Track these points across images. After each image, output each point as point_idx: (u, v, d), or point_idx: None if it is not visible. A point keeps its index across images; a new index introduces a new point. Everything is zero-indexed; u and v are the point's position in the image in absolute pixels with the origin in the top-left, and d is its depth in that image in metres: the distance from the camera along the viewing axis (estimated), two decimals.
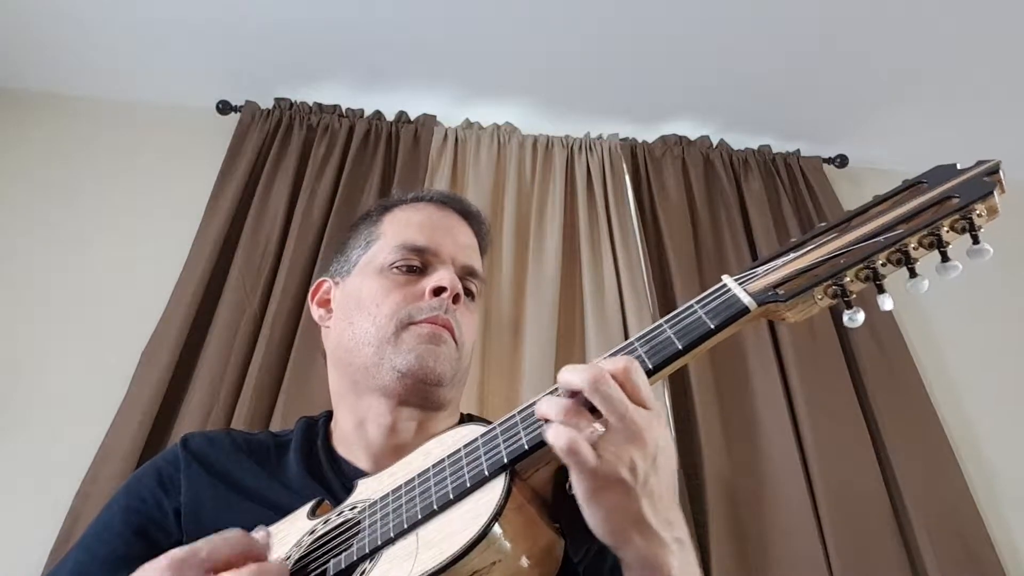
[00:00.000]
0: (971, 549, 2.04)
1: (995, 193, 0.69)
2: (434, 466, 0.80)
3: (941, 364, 2.50)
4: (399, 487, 0.81)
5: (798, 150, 2.84)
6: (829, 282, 0.72)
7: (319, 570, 0.79)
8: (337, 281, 1.17)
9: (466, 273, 1.12)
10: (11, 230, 2.40)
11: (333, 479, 1.01)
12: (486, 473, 0.73)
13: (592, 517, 0.71)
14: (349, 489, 0.91)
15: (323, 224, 2.39)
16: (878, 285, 0.71)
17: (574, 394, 0.72)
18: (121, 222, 2.45)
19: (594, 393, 0.69)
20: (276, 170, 2.49)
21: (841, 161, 2.88)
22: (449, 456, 0.80)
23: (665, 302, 2.40)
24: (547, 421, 0.72)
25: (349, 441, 1.06)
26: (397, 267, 1.09)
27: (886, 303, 0.71)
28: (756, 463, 2.14)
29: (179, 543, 0.91)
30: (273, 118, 2.61)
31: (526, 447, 0.73)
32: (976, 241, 0.69)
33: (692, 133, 2.80)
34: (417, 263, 1.09)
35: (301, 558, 0.82)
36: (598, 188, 2.59)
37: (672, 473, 0.74)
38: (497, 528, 0.68)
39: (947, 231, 0.70)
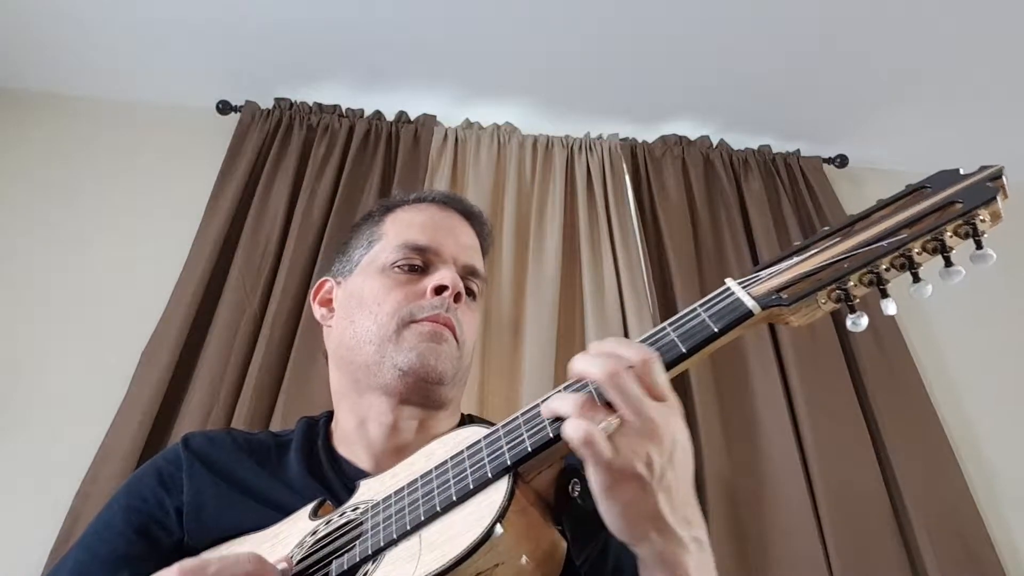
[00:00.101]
0: (971, 549, 2.04)
1: (998, 198, 0.69)
2: (437, 467, 0.80)
3: (941, 364, 2.50)
4: (402, 488, 0.81)
5: (798, 150, 2.84)
6: (833, 286, 0.71)
7: (321, 571, 0.79)
8: (339, 281, 1.18)
9: (467, 273, 1.12)
10: (11, 230, 2.40)
11: (334, 479, 1.01)
12: (489, 475, 0.73)
13: (608, 512, 0.71)
14: (350, 489, 0.90)
15: (323, 224, 2.39)
16: (882, 290, 0.71)
17: (583, 383, 0.72)
18: (121, 222, 2.45)
19: (611, 387, 0.69)
20: (276, 170, 2.49)
21: (841, 161, 2.88)
22: (452, 457, 0.80)
23: (665, 302, 2.40)
24: (558, 420, 0.71)
25: (350, 441, 1.06)
26: (399, 266, 1.09)
27: (890, 308, 0.71)
28: (756, 463, 2.15)
29: (180, 542, 0.92)
30: (273, 118, 2.61)
31: (529, 449, 0.73)
32: (979, 246, 0.69)
33: (692, 133, 2.80)
34: (419, 262, 1.10)
35: (303, 559, 0.82)
36: (598, 188, 2.59)
37: (690, 469, 0.74)
38: (500, 530, 0.68)
39: (951, 236, 0.70)
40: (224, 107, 2.66)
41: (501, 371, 2.22)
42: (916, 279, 0.71)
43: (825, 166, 2.85)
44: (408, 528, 0.75)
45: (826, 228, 0.78)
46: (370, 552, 0.76)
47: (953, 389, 2.45)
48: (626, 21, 2.39)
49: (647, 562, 0.73)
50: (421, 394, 1.03)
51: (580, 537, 0.78)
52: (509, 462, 0.73)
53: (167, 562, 0.74)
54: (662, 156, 2.73)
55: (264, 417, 2.01)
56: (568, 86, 2.67)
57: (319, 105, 2.65)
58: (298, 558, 0.82)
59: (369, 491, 0.87)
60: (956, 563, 2.00)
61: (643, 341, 0.76)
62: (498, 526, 0.68)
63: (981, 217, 0.69)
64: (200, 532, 0.92)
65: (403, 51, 2.53)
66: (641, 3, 2.32)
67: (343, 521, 0.84)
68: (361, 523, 0.82)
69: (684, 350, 0.73)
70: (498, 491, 0.71)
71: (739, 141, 2.82)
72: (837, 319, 2.29)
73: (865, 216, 0.77)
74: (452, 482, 0.76)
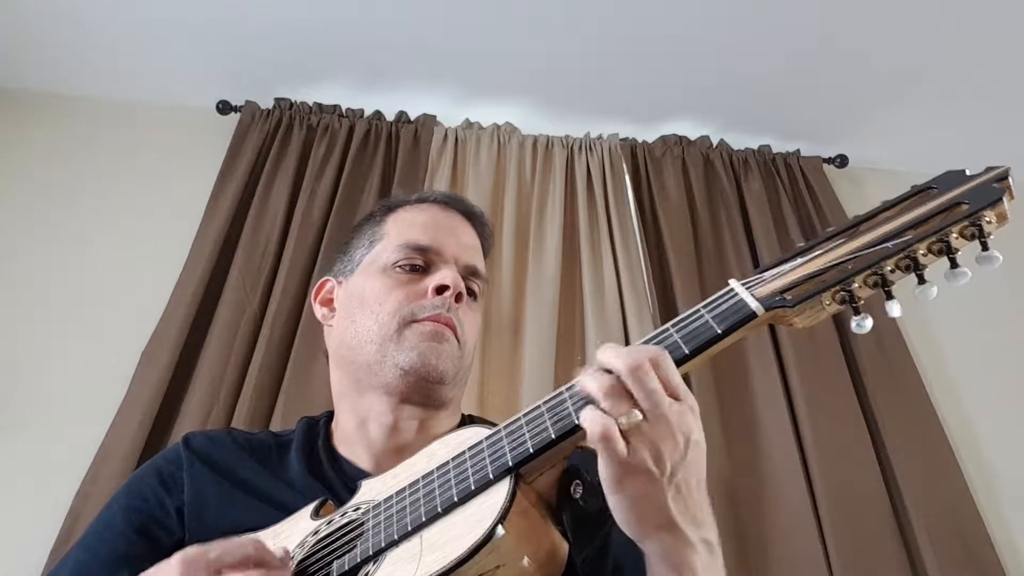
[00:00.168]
0: (971, 549, 2.04)
1: (1004, 199, 0.69)
2: (438, 468, 0.80)
3: (941, 364, 2.50)
4: (403, 489, 0.81)
5: (798, 150, 2.84)
6: (837, 288, 0.71)
7: (322, 571, 0.79)
8: (340, 280, 1.18)
9: (469, 273, 1.13)
10: (11, 230, 2.40)
11: (335, 479, 1.01)
12: (491, 476, 0.73)
13: (616, 506, 0.71)
14: (351, 489, 0.91)
15: (323, 224, 2.39)
16: (887, 291, 0.71)
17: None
18: (121, 222, 2.45)
19: (633, 381, 0.69)
20: (276, 170, 2.49)
21: (841, 161, 2.88)
22: (453, 458, 0.80)
23: (665, 302, 2.40)
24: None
25: (351, 440, 1.06)
26: (400, 266, 1.09)
27: (894, 309, 0.71)
28: (756, 463, 2.15)
29: (181, 542, 0.92)
30: (273, 118, 2.61)
31: (531, 450, 0.73)
32: (985, 248, 0.69)
33: (692, 133, 2.80)
34: (420, 262, 1.10)
35: (304, 559, 0.82)
36: (598, 188, 2.59)
37: (703, 470, 0.74)
38: (501, 531, 0.68)
39: (956, 237, 0.69)
40: (224, 107, 2.65)
41: (501, 371, 2.22)
42: (921, 280, 0.71)
43: (825, 166, 2.85)
44: (409, 529, 0.75)
45: (830, 229, 0.78)
46: (371, 552, 0.76)
47: (953, 389, 2.45)
48: (626, 21, 2.39)
49: (653, 560, 0.73)
50: (422, 394, 1.03)
51: (581, 538, 0.78)
52: (511, 463, 0.73)
53: None
54: (662, 156, 2.73)
55: (264, 417, 2.01)
56: (568, 86, 2.67)
57: (319, 105, 2.65)
58: (299, 558, 0.82)
59: (370, 491, 0.87)
60: (956, 563, 2.00)
61: (646, 342, 0.76)
62: (499, 527, 0.68)
63: (987, 218, 0.68)
64: (201, 531, 0.92)
65: (403, 51, 2.53)
66: (641, 3, 2.32)
67: (344, 521, 0.84)
68: (362, 523, 0.81)
69: (687, 351, 0.73)
70: (499, 492, 0.71)
71: (739, 141, 2.82)
72: (838, 319, 2.29)
73: (870, 217, 0.76)
74: (453, 483, 0.76)
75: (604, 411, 0.69)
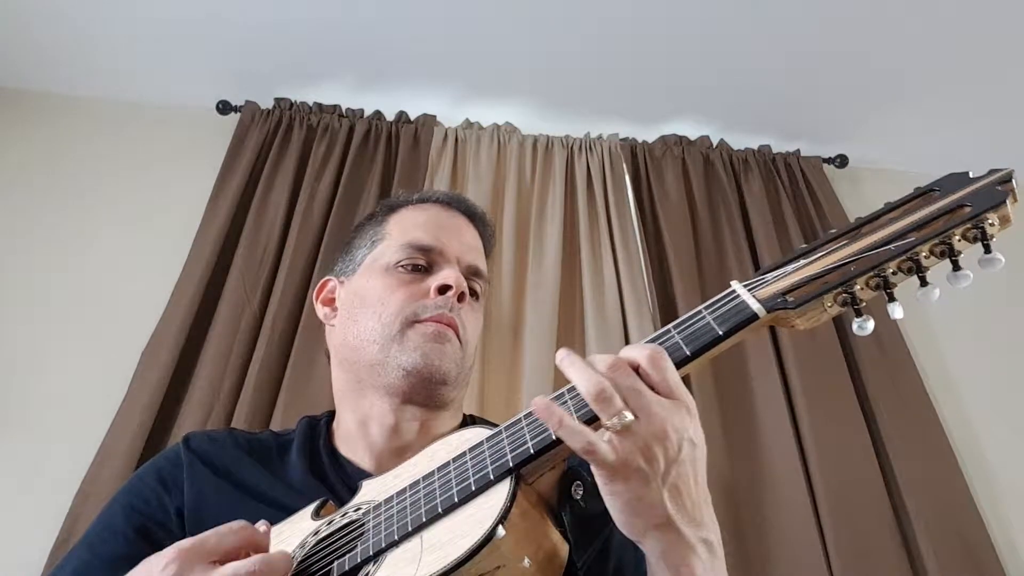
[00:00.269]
0: (971, 549, 2.05)
1: (1007, 202, 0.68)
2: (439, 469, 0.80)
3: (941, 365, 2.50)
4: (404, 489, 0.81)
5: (798, 150, 2.84)
6: (839, 290, 0.71)
7: (323, 571, 0.79)
8: (342, 280, 1.18)
9: (471, 273, 1.12)
10: (11, 230, 2.40)
11: (336, 479, 1.01)
12: (491, 476, 0.73)
13: (611, 506, 0.71)
14: (352, 489, 0.91)
15: (323, 224, 2.39)
16: (889, 293, 0.71)
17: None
18: (121, 222, 2.45)
19: (612, 382, 0.69)
20: (276, 170, 2.49)
21: (841, 161, 2.88)
22: (454, 459, 0.80)
23: (665, 302, 2.40)
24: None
25: (352, 441, 1.06)
26: (403, 266, 1.09)
27: (896, 312, 0.71)
28: (756, 463, 2.15)
29: None
30: (273, 118, 2.61)
31: (532, 451, 0.72)
32: (988, 250, 0.69)
33: (692, 133, 2.80)
34: (423, 262, 1.09)
35: (305, 559, 0.82)
36: (598, 188, 2.59)
37: (702, 469, 0.73)
38: (501, 532, 0.67)
39: (959, 240, 0.69)
40: (224, 107, 2.65)
41: (501, 371, 2.22)
42: (923, 283, 0.71)
43: (825, 166, 2.85)
44: (409, 529, 0.75)
45: (832, 230, 0.77)
46: (371, 553, 0.76)
47: (953, 389, 2.45)
48: (626, 21, 2.39)
49: (652, 560, 0.73)
50: (424, 394, 1.03)
51: (582, 540, 0.77)
52: (511, 463, 0.73)
53: None
54: (662, 156, 2.73)
55: (264, 417, 2.01)
56: (568, 86, 2.67)
57: (319, 105, 2.65)
58: (300, 558, 0.82)
59: (371, 491, 0.87)
60: (956, 563, 2.00)
61: (648, 343, 0.76)
62: (500, 528, 0.68)
63: (990, 221, 0.68)
64: (201, 532, 0.92)
65: (403, 51, 2.52)
66: (641, 3, 2.32)
67: (345, 521, 0.84)
68: (363, 524, 0.81)
69: (688, 353, 0.73)
70: (500, 493, 0.71)
71: (739, 141, 2.82)
72: (838, 320, 2.29)
73: (872, 219, 0.76)
74: (454, 483, 0.76)
75: (596, 412, 0.69)
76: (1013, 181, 0.71)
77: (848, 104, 2.72)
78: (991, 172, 0.72)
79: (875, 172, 2.94)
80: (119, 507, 0.98)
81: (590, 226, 2.51)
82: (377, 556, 0.75)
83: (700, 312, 0.76)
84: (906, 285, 0.72)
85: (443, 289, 1.05)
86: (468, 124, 2.71)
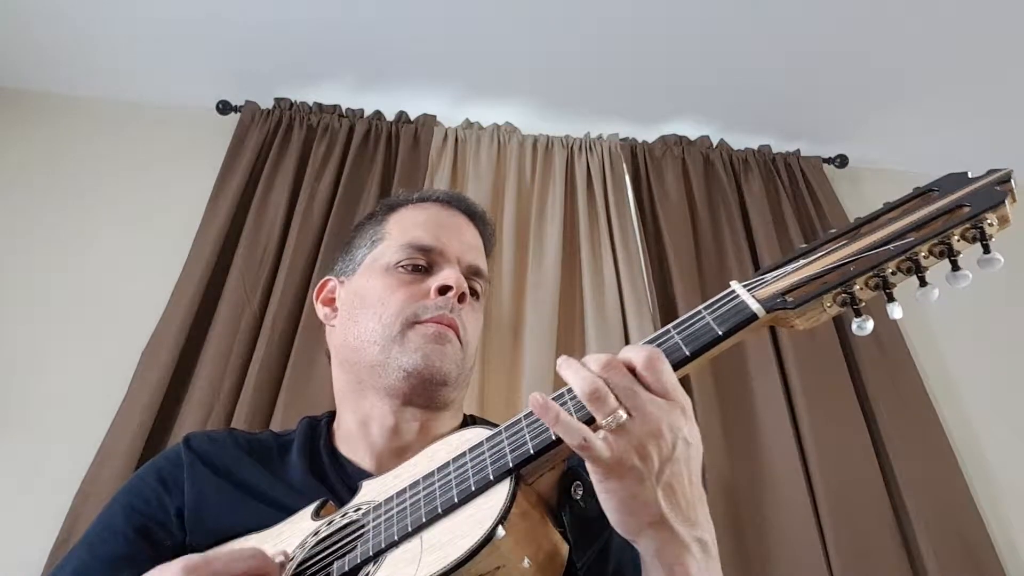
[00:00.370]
0: (971, 549, 2.04)
1: (1006, 202, 0.68)
2: (439, 469, 0.80)
3: (941, 364, 2.50)
4: (404, 490, 0.81)
5: (798, 150, 2.84)
6: (838, 290, 0.71)
7: (323, 572, 0.79)
8: (342, 280, 1.17)
9: (471, 273, 1.12)
10: (11, 230, 2.40)
11: (336, 479, 1.00)
12: (491, 477, 0.73)
13: (605, 504, 0.71)
14: (353, 489, 0.90)
15: (323, 224, 2.39)
16: (888, 293, 0.71)
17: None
18: (121, 222, 2.45)
19: (604, 381, 0.69)
20: (276, 170, 2.49)
21: (841, 161, 2.88)
22: (454, 459, 0.80)
23: (665, 302, 2.40)
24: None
25: (352, 441, 1.06)
26: (403, 266, 1.08)
27: (895, 312, 0.71)
28: (756, 463, 2.15)
29: (182, 543, 0.91)
30: (273, 118, 2.61)
31: (532, 451, 0.73)
32: (987, 250, 0.69)
33: (692, 133, 2.80)
34: (423, 262, 1.09)
35: (305, 559, 0.82)
36: (598, 188, 2.59)
37: (696, 469, 0.73)
38: (501, 532, 0.68)
39: (958, 240, 0.69)
40: (224, 107, 2.65)
41: (501, 371, 2.22)
42: (922, 283, 0.71)
43: (825, 166, 2.85)
44: (409, 529, 0.75)
45: (832, 231, 0.78)
46: (371, 553, 0.76)
47: (953, 389, 2.45)
48: (626, 21, 2.39)
49: (647, 559, 0.73)
50: (425, 395, 1.03)
51: (582, 540, 0.77)
52: (511, 464, 0.73)
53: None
54: (662, 156, 2.73)
55: (264, 417, 2.01)
56: (568, 86, 2.67)
57: (319, 105, 2.65)
58: (300, 559, 0.82)
59: (371, 492, 0.87)
60: (956, 563, 2.00)
61: (647, 343, 0.76)
62: (499, 528, 0.68)
63: (989, 221, 0.68)
64: (202, 532, 0.92)
65: (403, 51, 2.52)
66: (641, 3, 2.32)
67: (345, 522, 0.84)
68: (363, 524, 0.81)
69: (688, 353, 0.74)
70: (500, 493, 0.72)
71: (739, 141, 2.82)
72: (838, 319, 2.29)
73: (872, 219, 0.76)
74: (454, 484, 0.76)
75: (591, 412, 0.69)
76: (1012, 181, 0.71)
77: (848, 104, 2.72)
78: (990, 172, 0.72)
79: (875, 172, 2.94)
80: (119, 507, 0.97)
81: (590, 226, 2.51)
82: (377, 556, 0.76)
83: (700, 312, 0.76)
84: (905, 285, 0.72)
85: (443, 290, 1.05)
86: (468, 124, 2.71)
